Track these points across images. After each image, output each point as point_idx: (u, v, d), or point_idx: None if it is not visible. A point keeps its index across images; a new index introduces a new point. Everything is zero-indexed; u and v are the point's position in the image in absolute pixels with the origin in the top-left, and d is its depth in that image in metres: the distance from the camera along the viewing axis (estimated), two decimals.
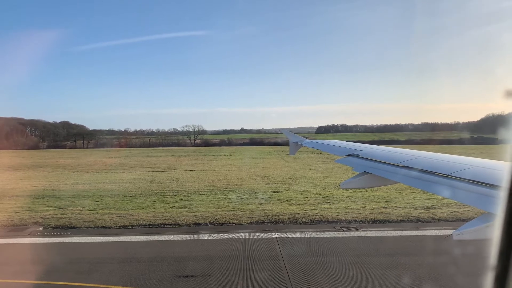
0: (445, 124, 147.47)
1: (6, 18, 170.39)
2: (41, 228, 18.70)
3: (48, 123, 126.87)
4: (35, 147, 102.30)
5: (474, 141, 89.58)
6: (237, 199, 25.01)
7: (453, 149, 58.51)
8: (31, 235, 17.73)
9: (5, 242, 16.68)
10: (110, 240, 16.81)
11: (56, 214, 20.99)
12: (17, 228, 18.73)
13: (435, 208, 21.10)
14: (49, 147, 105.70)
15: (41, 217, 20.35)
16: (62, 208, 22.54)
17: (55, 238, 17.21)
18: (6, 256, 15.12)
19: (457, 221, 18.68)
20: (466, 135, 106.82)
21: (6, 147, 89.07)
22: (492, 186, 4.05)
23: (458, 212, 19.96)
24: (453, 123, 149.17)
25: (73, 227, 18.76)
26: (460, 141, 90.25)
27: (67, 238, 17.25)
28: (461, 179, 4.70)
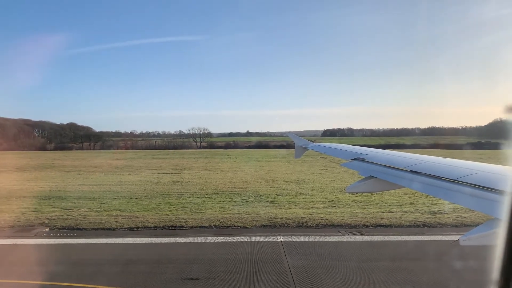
0: (452, 128, 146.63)
1: (13, 21, 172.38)
2: (47, 229, 18.83)
3: (55, 124, 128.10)
4: (42, 148, 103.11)
5: (482, 146, 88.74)
6: (242, 202, 25.01)
7: (460, 154, 58.15)
8: (37, 236, 17.85)
9: (11, 243, 16.81)
10: (115, 242, 16.88)
11: (62, 215, 21.13)
12: (23, 229, 18.86)
13: (441, 213, 20.93)
14: (56, 148, 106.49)
15: (47, 218, 20.49)
16: (68, 210, 22.69)
17: (61, 239, 17.31)
18: (13, 256, 15.22)
19: (464, 226, 18.52)
20: (473, 140, 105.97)
21: (13, 148, 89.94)
22: (500, 191, 4.01)
23: (464, 217, 19.79)
24: (460, 127, 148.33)
25: (79, 229, 18.87)
26: (468, 146, 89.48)
27: (73, 239, 17.34)
28: (468, 184, 4.66)
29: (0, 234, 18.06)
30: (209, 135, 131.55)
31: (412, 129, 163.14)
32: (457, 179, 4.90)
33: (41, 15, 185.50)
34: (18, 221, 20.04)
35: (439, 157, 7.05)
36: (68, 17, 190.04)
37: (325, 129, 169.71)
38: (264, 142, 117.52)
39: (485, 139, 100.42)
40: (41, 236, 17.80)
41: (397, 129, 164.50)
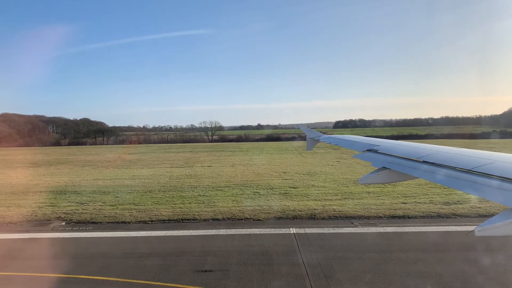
0: (466, 118, 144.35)
1: (27, 17, 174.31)
2: (63, 223, 19.18)
3: (69, 120, 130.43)
4: (57, 144, 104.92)
5: (497, 135, 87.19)
6: (254, 194, 25.08)
7: (474, 144, 57.17)
8: (54, 230, 18.20)
9: (29, 237, 17.17)
10: (130, 235, 17.10)
11: (77, 210, 21.49)
12: (40, 223, 19.25)
13: (455, 203, 20.67)
14: (70, 143, 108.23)
15: (63, 212, 20.86)
16: (83, 204, 23.06)
17: (77, 233, 17.61)
18: (31, 250, 15.56)
19: (479, 216, 18.28)
20: (488, 129, 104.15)
21: (28, 144, 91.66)
22: None
23: (479, 207, 19.52)
24: (475, 116, 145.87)
25: (94, 222, 19.17)
26: (482, 135, 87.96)
27: (89, 233, 17.63)
28: (483, 174, 4.59)
29: (18, 228, 18.48)
30: (221, 128, 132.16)
31: (426, 119, 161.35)
32: (472, 169, 4.83)
33: (55, 10, 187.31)
34: (35, 216, 20.45)
35: (453, 147, 6.93)
36: (82, 12, 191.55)
37: (337, 120, 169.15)
38: (275, 135, 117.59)
39: (500, 128, 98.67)
40: (57, 230, 18.14)
41: (410, 120, 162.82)
